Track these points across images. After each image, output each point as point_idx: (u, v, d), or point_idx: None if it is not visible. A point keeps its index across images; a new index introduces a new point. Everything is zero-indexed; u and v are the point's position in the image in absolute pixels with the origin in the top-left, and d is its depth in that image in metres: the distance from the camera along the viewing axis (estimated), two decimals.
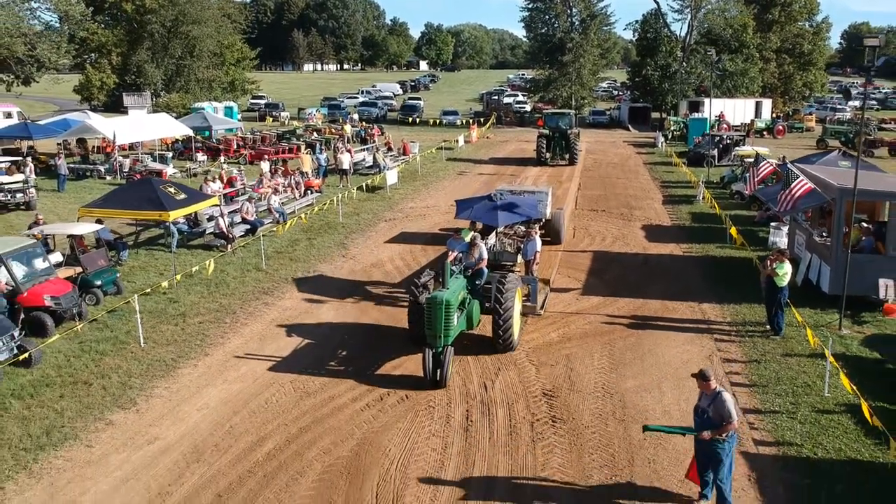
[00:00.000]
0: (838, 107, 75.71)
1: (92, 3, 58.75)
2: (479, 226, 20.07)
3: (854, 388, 12.43)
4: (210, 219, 23.56)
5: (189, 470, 10.97)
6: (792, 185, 18.96)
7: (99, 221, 20.65)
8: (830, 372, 13.48)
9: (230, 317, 17.43)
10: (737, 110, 64.08)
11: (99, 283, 18.00)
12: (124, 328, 16.47)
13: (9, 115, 50.90)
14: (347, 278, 20.70)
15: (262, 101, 76.20)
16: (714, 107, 61.07)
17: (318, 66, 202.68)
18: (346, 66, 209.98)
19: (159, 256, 22.36)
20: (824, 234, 19.52)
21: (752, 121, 61.52)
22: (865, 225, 19.28)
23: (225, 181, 28.70)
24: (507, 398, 13.32)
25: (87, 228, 19.06)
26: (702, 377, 9.76)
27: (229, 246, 22.60)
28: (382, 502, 10.20)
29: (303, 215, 26.75)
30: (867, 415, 11.68)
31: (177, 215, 20.54)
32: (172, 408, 12.93)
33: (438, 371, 13.46)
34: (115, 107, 63.92)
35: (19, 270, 16.04)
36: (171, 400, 13.25)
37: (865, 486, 10.59)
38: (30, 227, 20.10)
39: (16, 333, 14.29)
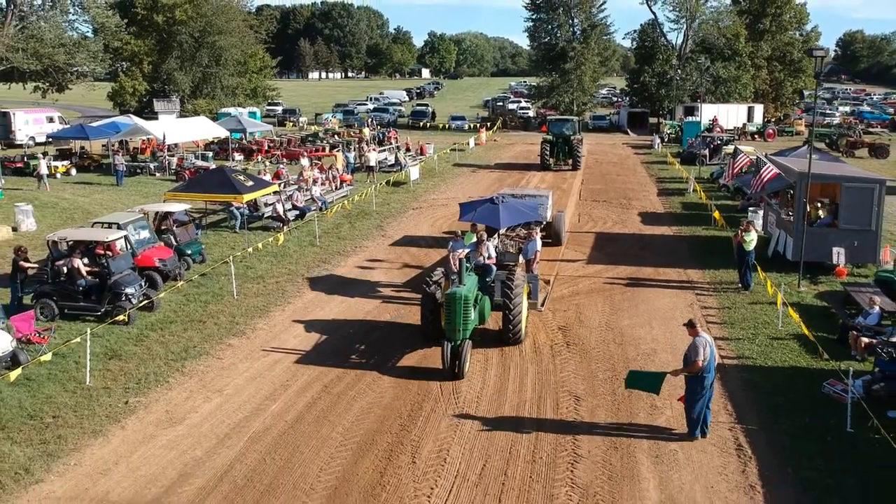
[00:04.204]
0: (827, 112, 79.77)
1: (125, 15, 62.67)
2: (481, 227, 20.27)
3: (799, 317, 16.25)
4: (267, 204, 27.39)
5: (299, 372, 14.79)
6: (762, 171, 22.91)
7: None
8: (783, 312, 17.28)
9: (300, 278, 21.30)
10: (730, 115, 67.77)
11: (189, 252, 21.82)
12: (216, 285, 20.32)
13: (51, 120, 54.84)
14: (389, 251, 24.57)
15: (279, 108, 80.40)
16: (708, 112, 65.22)
17: (324, 74, 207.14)
18: (350, 74, 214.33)
19: (226, 236, 26.22)
20: (790, 212, 23.30)
21: (744, 124, 65.42)
22: (828, 204, 23.11)
23: (273, 175, 32.54)
24: (530, 331, 17.05)
25: (176, 207, 22.88)
26: (689, 325, 12.47)
27: (285, 227, 26.41)
28: (445, 391, 13.97)
29: (345, 202, 30.66)
30: (806, 332, 15.55)
31: (248, 198, 24.35)
32: (274, 336, 16.78)
33: (457, 363, 14.39)
34: (141, 112, 67.79)
35: (133, 238, 19.82)
36: (271, 331, 17.10)
37: (797, 380, 14.40)
38: None
39: (142, 284, 18.12)
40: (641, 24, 77.85)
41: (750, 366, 15.19)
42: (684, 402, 12.41)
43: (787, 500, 10.59)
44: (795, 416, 12.93)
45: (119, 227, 19.40)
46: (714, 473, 11.22)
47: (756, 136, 62.77)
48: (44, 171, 34.91)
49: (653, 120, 74.48)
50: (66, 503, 10.35)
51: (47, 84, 57.84)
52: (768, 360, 15.43)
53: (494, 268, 17.18)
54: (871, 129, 66.40)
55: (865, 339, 15.30)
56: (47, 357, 13.84)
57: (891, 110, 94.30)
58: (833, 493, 10.66)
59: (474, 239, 18.24)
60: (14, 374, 13.07)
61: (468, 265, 16.07)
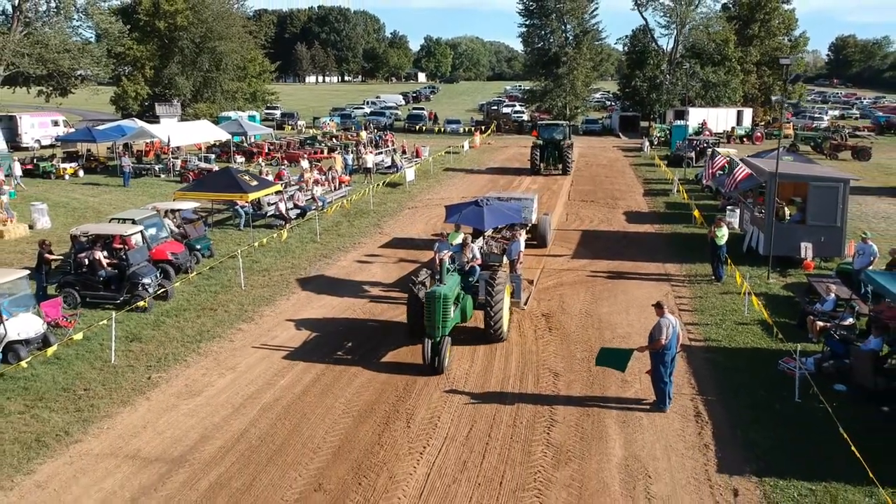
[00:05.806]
0: (816, 116, 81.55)
1: (128, 21, 64.20)
2: (467, 229, 21.14)
3: (761, 305, 17.76)
4: (270, 203, 28.86)
5: (304, 353, 16.26)
6: (734, 172, 24.45)
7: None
8: (749, 301, 18.78)
9: (302, 271, 22.77)
10: (719, 119, 69.40)
11: (199, 247, 23.27)
12: (225, 277, 21.77)
13: (56, 123, 56.27)
14: (386, 247, 26.06)
15: (277, 112, 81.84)
16: (697, 115, 66.88)
17: (321, 78, 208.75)
18: (347, 78, 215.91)
19: (231, 233, 27.67)
20: (762, 210, 24.82)
21: (733, 127, 67.10)
22: (799, 202, 24.64)
23: (274, 176, 34.03)
24: (515, 319, 18.50)
25: (186, 205, 24.36)
26: (657, 306, 14.04)
27: (287, 225, 27.88)
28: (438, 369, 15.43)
29: (344, 202, 32.16)
30: (766, 317, 17.02)
31: (253, 197, 25.83)
32: (280, 321, 18.26)
33: (436, 359, 15.00)
34: (142, 116, 69.20)
35: (147, 233, 21.26)
36: (277, 318, 18.56)
37: (756, 360, 15.90)
38: None
39: (157, 275, 19.57)
40: (633, 30, 79.63)
41: (715, 347, 16.70)
42: (651, 375, 13.93)
43: (736, 457, 12.05)
44: (751, 390, 14.43)
45: (135, 223, 20.86)
46: (673, 435, 12.71)
47: (745, 140, 64.36)
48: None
49: (644, 124, 76.06)
50: (104, 458, 11.80)
51: (51, 88, 59.30)
52: (732, 343, 16.93)
53: (479, 268, 17.93)
54: (857, 133, 67.75)
55: (820, 323, 16.81)
56: (78, 336, 15.31)
57: (879, 113, 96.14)
58: (776, 453, 12.14)
59: (459, 239, 19.24)
60: (51, 351, 14.57)
61: (450, 265, 16.79)
